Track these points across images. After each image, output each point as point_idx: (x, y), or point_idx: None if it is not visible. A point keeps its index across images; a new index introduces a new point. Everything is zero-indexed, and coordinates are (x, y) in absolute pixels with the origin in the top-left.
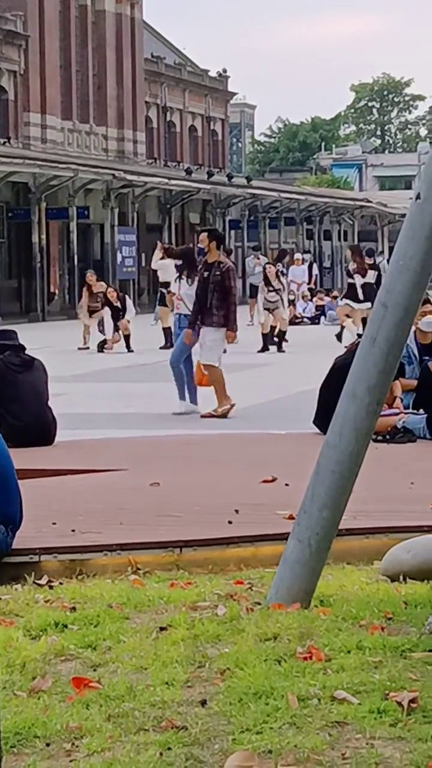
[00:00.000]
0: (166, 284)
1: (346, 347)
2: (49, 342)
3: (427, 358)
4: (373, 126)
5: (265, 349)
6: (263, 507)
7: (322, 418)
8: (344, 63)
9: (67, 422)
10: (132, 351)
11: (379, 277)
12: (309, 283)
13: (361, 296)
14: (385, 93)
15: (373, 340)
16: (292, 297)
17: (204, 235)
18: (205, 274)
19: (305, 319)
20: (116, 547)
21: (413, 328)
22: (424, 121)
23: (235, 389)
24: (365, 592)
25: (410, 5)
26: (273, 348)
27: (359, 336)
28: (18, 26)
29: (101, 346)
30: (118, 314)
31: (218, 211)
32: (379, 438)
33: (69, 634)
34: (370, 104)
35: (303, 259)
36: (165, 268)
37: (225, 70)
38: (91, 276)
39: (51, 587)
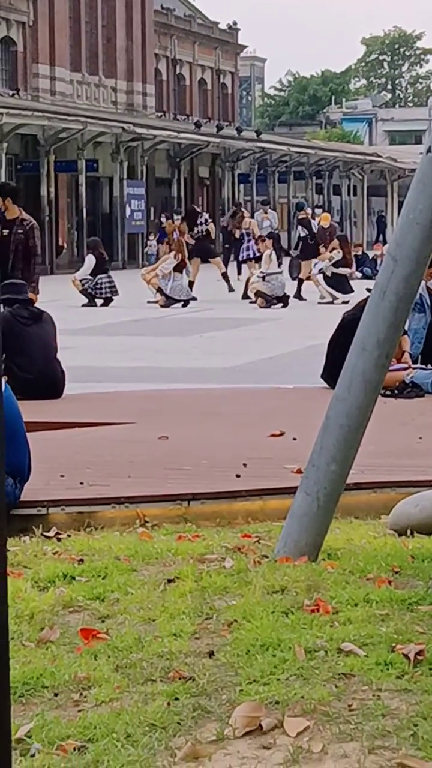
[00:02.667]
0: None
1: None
2: (57, 295)
3: None
4: (383, 80)
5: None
6: (271, 461)
7: (330, 373)
8: (355, 15)
9: (76, 375)
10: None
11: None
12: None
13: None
14: (396, 46)
15: (383, 293)
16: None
17: None
18: (5, 232)
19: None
20: (124, 499)
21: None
22: None
23: (243, 344)
24: (372, 545)
25: None
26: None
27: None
28: None
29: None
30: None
31: (227, 165)
32: (388, 393)
33: (77, 586)
34: (380, 58)
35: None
36: None
37: (235, 23)
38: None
39: (59, 539)
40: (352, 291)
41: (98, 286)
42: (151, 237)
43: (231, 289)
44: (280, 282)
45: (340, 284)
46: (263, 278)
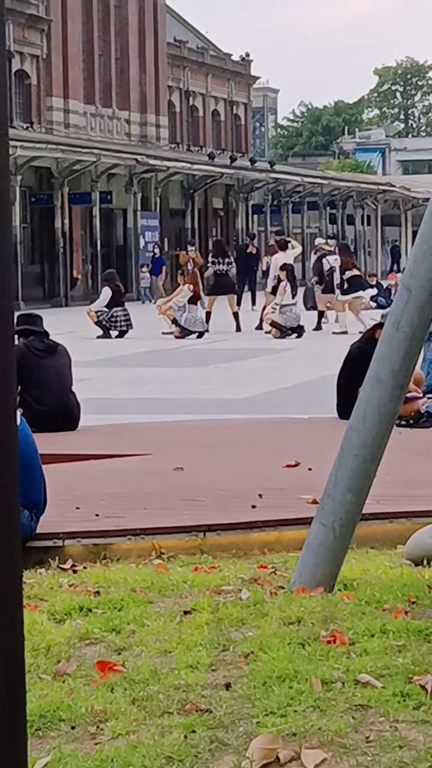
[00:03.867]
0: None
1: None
2: (72, 327)
3: None
4: (396, 110)
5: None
6: (286, 491)
7: (343, 405)
8: (367, 45)
9: (91, 407)
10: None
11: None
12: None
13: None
14: (409, 76)
15: (397, 324)
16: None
17: None
18: None
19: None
20: (140, 531)
21: None
22: None
23: (258, 375)
24: (388, 576)
25: None
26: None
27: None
28: (40, 10)
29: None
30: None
31: (241, 196)
32: (403, 422)
33: (93, 618)
34: (393, 88)
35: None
36: None
37: (248, 54)
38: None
39: (75, 571)
40: (372, 287)
41: (113, 319)
42: (144, 269)
43: (239, 329)
44: (295, 313)
45: (359, 285)
46: (278, 309)
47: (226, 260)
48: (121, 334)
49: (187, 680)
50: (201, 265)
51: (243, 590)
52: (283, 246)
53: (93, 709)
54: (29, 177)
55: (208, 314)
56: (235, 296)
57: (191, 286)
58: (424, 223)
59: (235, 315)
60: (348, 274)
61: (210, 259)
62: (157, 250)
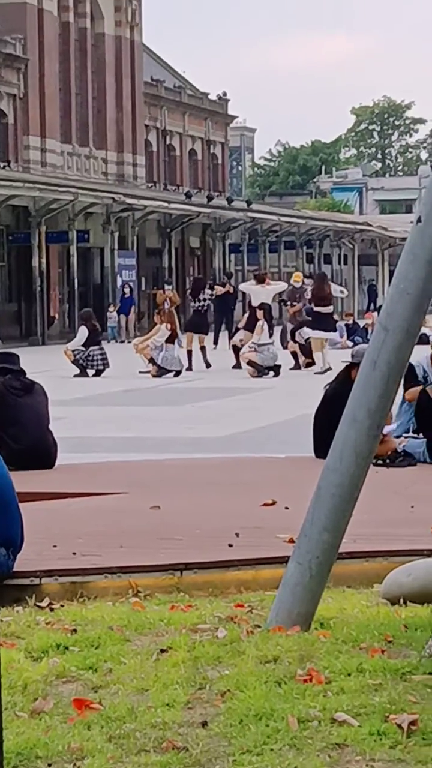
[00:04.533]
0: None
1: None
2: (49, 366)
3: None
4: (373, 149)
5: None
6: (263, 530)
7: (319, 446)
8: (344, 85)
9: (68, 446)
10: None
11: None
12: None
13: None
14: (386, 116)
15: (374, 363)
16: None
17: None
18: None
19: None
20: (117, 569)
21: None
22: (424, 145)
23: (234, 413)
24: (365, 615)
25: (408, 26)
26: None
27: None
28: (17, 49)
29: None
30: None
31: (218, 235)
32: (380, 462)
33: (70, 656)
34: (370, 127)
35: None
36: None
37: (225, 93)
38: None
39: (52, 609)
40: (335, 330)
41: (90, 358)
42: (111, 308)
43: (208, 365)
44: (272, 353)
45: (324, 323)
46: (255, 348)
47: (205, 297)
48: (98, 373)
49: (163, 718)
50: (178, 304)
51: (220, 629)
52: (261, 279)
53: (70, 746)
54: (6, 216)
55: (189, 352)
56: (205, 336)
57: (168, 325)
58: (400, 262)
59: (202, 349)
60: (317, 309)
61: (188, 295)
62: (126, 290)
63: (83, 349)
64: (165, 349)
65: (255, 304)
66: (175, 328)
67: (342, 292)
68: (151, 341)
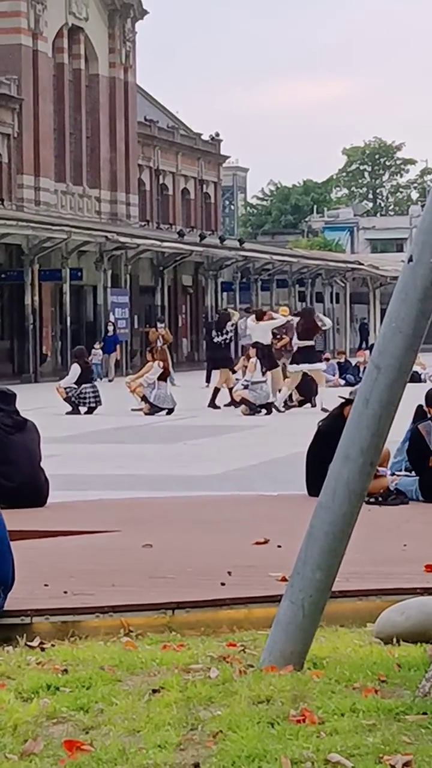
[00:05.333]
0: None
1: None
2: (41, 403)
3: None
4: (365, 189)
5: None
6: (256, 569)
7: (312, 483)
8: (336, 126)
9: (60, 483)
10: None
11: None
12: None
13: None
14: (377, 157)
15: (366, 401)
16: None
17: None
18: None
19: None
20: (108, 609)
21: None
22: (415, 185)
23: (227, 451)
24: (358, 654)
25: (399, 69)
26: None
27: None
28: (12, 90)
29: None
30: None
31: (210, 273)
32: (372, 500)
33: (61, 697)
34: (362, 168)
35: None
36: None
37: (218, 134)
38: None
39: (43, 649)
40: (320, 361)
41: (82, 396)
42: (96, 346)
43: (213, 405)
44: (265, 391)
45: (309, 356)
46: (247, 386)
47: (228, 330)
48: (90, 411)
49: (155, 759)
50: (170, 342)
51: (212, 668)
52: (260, 316)
53: None
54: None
55: (217, 390)
56: (228, 371)
57: (161, 363)
58: (392, 301)
59: (215, 391)
60: (301, 343)
61: (213, 330)
62: (110, 328)
63: (75, 386)
64: (157, 386)
65: (251, 341)
66: (168, 365)
67: (323, 324)
68: (144, 379)
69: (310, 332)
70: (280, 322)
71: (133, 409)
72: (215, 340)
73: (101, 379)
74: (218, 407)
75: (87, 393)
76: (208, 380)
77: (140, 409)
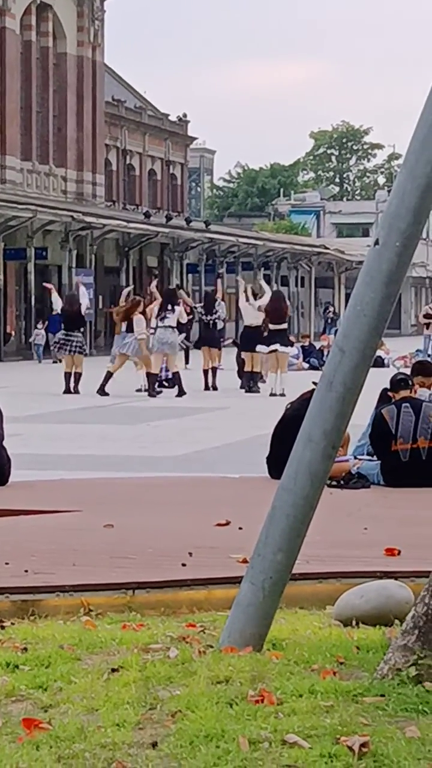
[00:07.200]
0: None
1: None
2: (4, 383)
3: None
4: (331, 173)
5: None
6: (217, 550)
7: (274, 465)
8: (304, 109)
9: (22, 463)
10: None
11: None
12: None
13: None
14: (344, 141)
15: (330, 384)
16: None
17: None
18: None
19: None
20: (69, 588)
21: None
22: (382, 170)
23: (189, 433)
24: (318, 636)
25: (367, 53)
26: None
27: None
28: None
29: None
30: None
31: (176, 255)
32: (334, 483)
33: (20, 675)
34: (329, 151)
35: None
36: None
37: (185, 115)
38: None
39: (2, 627)
40: (292, 344)
41: (68, 341)
42: (40, 325)
43: (210, 387)
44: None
45: (281, 338)
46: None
47: (216, 311)
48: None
49: (113, 738)
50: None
51: (171, 648)
52: (210, 300)
53: (18, 766)
54: None
55: (206, 372)
56: (219, 352)
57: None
58: (357, 284)
59: (213, 370)
60: (274, 327)
61: (199, 310)
62: (57, 307)
63: (65, 332)
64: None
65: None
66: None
67: (264, 292)
68: (137, 334)
69: (281, 315)
70: (266, 298)
71: (137, 390)
72: (204, 320)
73: (41, 362)
74: (216, 388)
75: (73, 340)
76: (187, 362)
77: (145, 390)
